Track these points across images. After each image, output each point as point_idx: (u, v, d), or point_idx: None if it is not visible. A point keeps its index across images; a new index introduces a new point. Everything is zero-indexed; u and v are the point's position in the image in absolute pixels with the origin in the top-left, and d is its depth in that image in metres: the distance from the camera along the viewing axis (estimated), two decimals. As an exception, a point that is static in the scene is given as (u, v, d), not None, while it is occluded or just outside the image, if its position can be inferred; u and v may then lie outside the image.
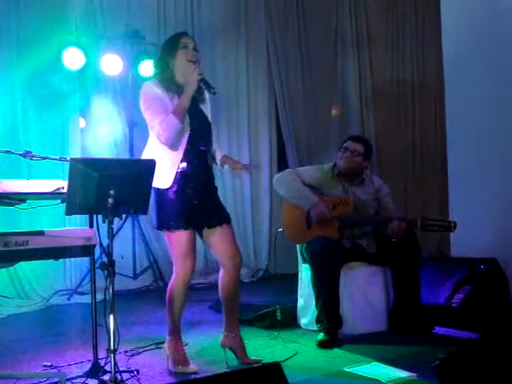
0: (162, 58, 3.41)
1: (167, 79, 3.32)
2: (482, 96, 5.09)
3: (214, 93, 3.31)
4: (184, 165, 3.28)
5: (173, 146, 3.24)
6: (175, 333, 3.40)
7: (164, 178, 3.24)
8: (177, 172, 3.26)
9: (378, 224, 4.12)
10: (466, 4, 5.31)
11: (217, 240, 3.40)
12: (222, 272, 3.45)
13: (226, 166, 3.48)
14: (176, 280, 3.34)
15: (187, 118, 3.27)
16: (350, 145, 4.23)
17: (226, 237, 3.40)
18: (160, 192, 3.26)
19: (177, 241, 3.28)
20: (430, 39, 7.42)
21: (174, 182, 3.25)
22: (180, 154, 3.27)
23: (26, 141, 5.59)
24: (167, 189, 3.25)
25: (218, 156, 3.49)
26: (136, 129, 6.13)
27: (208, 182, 3.39)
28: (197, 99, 3.36)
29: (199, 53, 3.38)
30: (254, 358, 3.46)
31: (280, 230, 4.31)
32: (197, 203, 3.30)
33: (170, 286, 3.39)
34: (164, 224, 3.28)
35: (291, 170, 4.45)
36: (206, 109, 3.46)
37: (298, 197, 4.17)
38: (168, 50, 3.38)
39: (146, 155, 3.35)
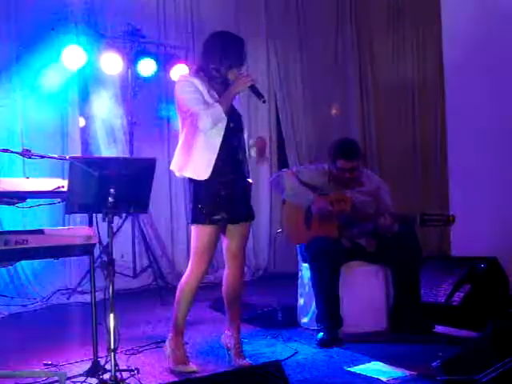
0: (216, 62, 3.31)
1: (207, 78, 3.32)
2: (482, 95, 5.09)
3: (264, 101, 3.33)
4: (219, 159, 3.26)
5: (210, 134, 3.23)
6: (178, 330, 3.40)
7: (201, 171, 3.25)
8: (213, 165, 3.25)
9: (374, 220, 4.11)
10: (467, 4, 5.31)
11: (230, 233, 3.39)
12: (226, 271, 3.47)
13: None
14: (189, 277, 3.35)
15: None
16: (344, 164, 4.08)
17: (239, 233, 3.41)
18: (195, 184, 3.27)
19: (200, 236, 3.28)
20: (431, 39, 7.41)
21: (209, 176, 3.25)
22: (217, 146, 3.26)
23: (25, 139, 5.58)
24: (201, 181, 3.25)
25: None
26: (136, 127, 6.13)
27: (240, 177, 3.37)
28: None
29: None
30: (247, 360, 3.41)
31: (279, 231, 4.31)
32: (228, 197, 3.30)
33: (182, 282, 3.38)
34: (196, 218, 3.28)
35: (288, 170, 4.44)
36: (237, 105, 3.47)
37: (296, 195, 4.16)
38: (228, 60, 3.30)
39: (180, 149, 3.33)
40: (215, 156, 3.25)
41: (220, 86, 3.32)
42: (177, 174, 3.35)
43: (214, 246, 3.36)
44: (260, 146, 3.57)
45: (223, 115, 3.21)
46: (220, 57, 3.30)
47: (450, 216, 3.84)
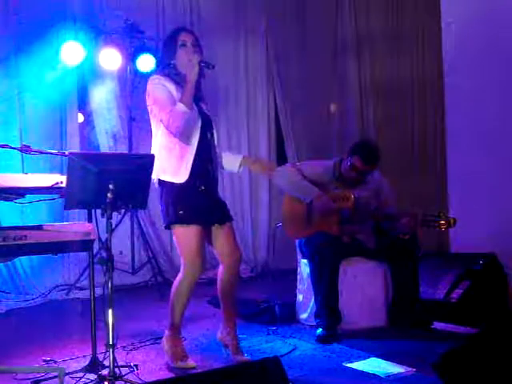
0: (163, 58, 3.42)
1: (171, 74, 3.32)
2: (482, 91, 5.10)
3: (213, 67, 3.28)
4: (196, 160, 3.26)
5: (182, 135, 3.22)
6: (175, 328, 3.40)
7: (179, 173, 3.23)
8: (191, 167, 3.24)
9: (382, 219, 4.11)
10: (467, 1, 5.31)
11: (219, 237, 3.39)
12: (221, 268, 3.44)
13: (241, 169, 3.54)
14: (184, 278, 3.32)
15: (197, 110, 3.27)
16: (358, 163, 4.04)
17: (227, 234, 3.40)
18: (173, 187, 3.25)
19: (188, 237, 3.26)
20: (431, 34, 7.40)
21: (187, 177, 3.24)
22: (193, 148, 3.25)
23: (24, 135, 5.57)
24: (180, 184, 3.24)
25: (231, 157, 3.53)
26: (135, 123, 6.12)
27: (214, 178, 3.39)
28: (197, 96, 3.33)
29: (199, 48, 3.34)
30: (246, 356, 3.42)
31: (279, 224, 4.30)
32: (208, 199, 3.30)
33: (176, 282, 3.36)
34: (176, 220, 3.25)
35: (291, 164, 4.43)
36: (206, 106, 3.45)
37: (298, 189, 4.14)
38: (167, 48, 3.38)
39: (155, 150, 3.31)
40: (192, 158, 3.25)
41: (182, 79, 3.28)
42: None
43: (204, 245, 3.34)
44: None
45: (187, 112, 3.17)
46: (165, 48, 3.40)
47: (452, 219, 3.83)
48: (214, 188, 3.39)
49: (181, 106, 3.17)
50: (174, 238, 3.36)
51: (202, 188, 3.28)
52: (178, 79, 3.30)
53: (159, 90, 3.26)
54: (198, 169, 3.27)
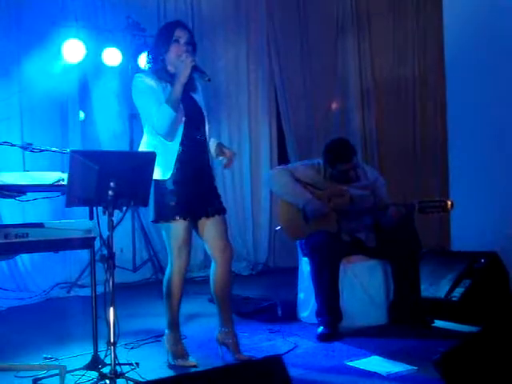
0: (154, 50, 3.34)
1: (159, 70, 3.28)
2: (483, 89, 5.08)
3: (209, 80, 3.22)
4: (181, 155, 3.24)
5: (168, 135, 3.20)
6: (174, 326, 3.39)
7: (162, 170, 3.22)
8: (175, 163, 3.23)
9: (375, 212, 4.10)
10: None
11: (209, 231, 3.36)
12: (213, 265, 3.41)
13: (220, 158, 3.43)
14: (172, 273, 3.32)
15: (181, 106, 3.22)
16: (344, 166, 4.09)
17: (218, 228, 3.36)
18: (157, 183, 3.22)
19: (174, 232, 3.26)
20: (432, 32, 7.40)
21: (171, 173, 3.23)
22: (177, 144, 3.23)
23: (25, 133, 5.57)
24: (165, 180, 3.23)
25: (213, 146, 3.43)
26: (136, 121, 6.11)
27: (205, 171, 3.35)
28: (188, 88, 3.29)
29: (192, 46, 3.29)
30: (247, 355, 3.40)
31: (278, 228, 4.29)
32: (194, 193, 3.27)
33: (165, 279, 3.36)
34: (161, 215, 3.25)
35: (283, 167, 4.43)
36: (199, 98, 3.41)
37: (291, 194, 4.14)
38: (161, 42, 3.30)
39: (142, 148, 3.31)
40: (176, 155, 3.22)
41: (171, 77, 3.24)
42: None
43: (191, 240, 3.32)
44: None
45: (173, 113, 3.13)
46: (157, 41, 3.32)
47: (448, 201, 3.85)
48: (204, 182, 3.33)
49: (166, 107, 3.13)
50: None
51: (187, 182, 3.24)
52: (166, 77, 3.26)
53: (143, 89, 3.22)
54: (184, 165, 3.24)
